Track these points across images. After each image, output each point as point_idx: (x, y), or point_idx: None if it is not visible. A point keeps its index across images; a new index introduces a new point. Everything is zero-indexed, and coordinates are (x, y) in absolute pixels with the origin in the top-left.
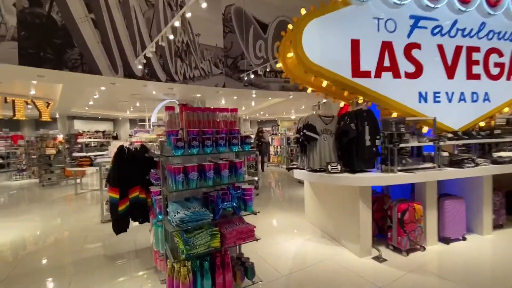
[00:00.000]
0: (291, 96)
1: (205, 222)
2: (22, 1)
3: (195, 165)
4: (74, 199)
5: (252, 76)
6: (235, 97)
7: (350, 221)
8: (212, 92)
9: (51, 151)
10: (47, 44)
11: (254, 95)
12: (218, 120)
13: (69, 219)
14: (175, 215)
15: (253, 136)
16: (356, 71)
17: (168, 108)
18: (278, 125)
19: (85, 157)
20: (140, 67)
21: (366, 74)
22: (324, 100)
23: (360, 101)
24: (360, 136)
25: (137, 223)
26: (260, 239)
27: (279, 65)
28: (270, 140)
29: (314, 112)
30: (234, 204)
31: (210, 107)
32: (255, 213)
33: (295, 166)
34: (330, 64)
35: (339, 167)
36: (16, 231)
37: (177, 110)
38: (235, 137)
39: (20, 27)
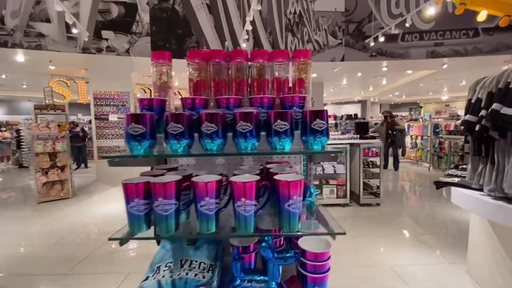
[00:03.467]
0: (446, 66)
1: None
2: None
3: (169, 181)
4: None
5: (381, 39)
6: (359, 74)
7: None
8: (328, 69)
9: None
10: (172, 36)
11: (385, 68)
12: (263, 79)
13: None
14: (145, 278)
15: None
16: None
17: (157, 55)
18: (421, 107)
19: None
20: (244, 45)
21: None
22: None
23: None
24: None
25: None
26: None
27: None
28: (406, 127)
29: None
30: (273, 286)
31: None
32: None
33: (454, 180)
34: None
35: None
36: None
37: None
38: (286, 117)
39: (151, 22)
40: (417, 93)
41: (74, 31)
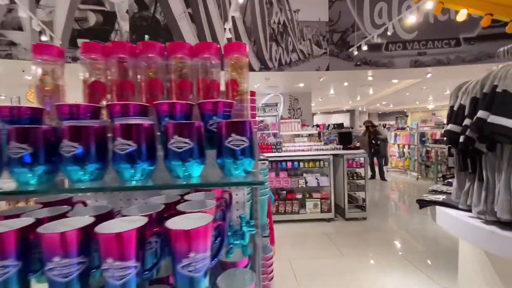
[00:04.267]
0: (429, 75)
1: None
2: (133, 6)
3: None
4: None
5: (365, 48)
6: (345, 83)
7: None
8: (315, 79)
9: None
10: None
11: (370, 77)
12: (184, 80)
13: None
14: None
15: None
16: None
17: (40, 48)
18: (407, 115)
19: None
20: None
21: None
22: None
23: None
24: None
25: None
26: None
27: None
28: (389, 137)
29: None
30: None
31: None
32: None
33: (438, 198)
34: None
35: None
36: None
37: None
38: (190, 131)
39: (131, 31)
40: (404, 102)
41: (44, 38)
